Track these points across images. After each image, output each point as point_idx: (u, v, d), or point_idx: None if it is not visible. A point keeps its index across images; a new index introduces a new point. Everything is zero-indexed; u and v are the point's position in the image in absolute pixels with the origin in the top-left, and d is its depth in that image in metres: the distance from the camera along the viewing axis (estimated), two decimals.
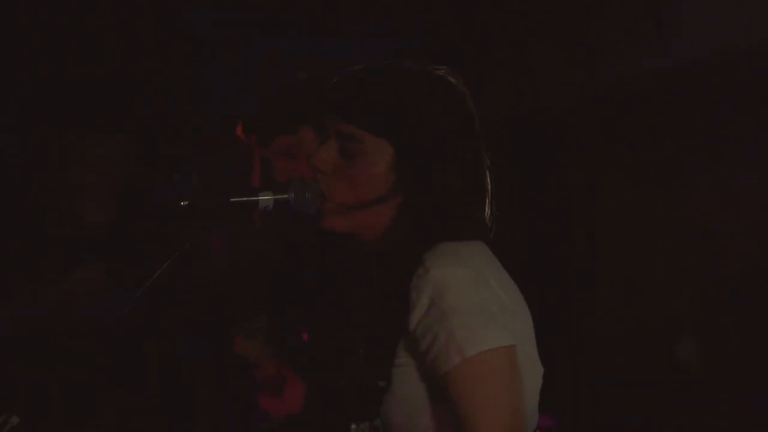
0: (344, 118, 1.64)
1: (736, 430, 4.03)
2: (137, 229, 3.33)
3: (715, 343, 4.49)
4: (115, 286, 3.23)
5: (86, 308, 3.16)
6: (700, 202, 4.57)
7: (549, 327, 1.90)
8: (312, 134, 2.03)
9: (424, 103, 1.63)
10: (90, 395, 3.00)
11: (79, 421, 3.12)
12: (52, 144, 3.33)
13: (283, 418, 1.99)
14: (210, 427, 3.21)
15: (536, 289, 1.84)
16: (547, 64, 4.83)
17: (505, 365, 1.52)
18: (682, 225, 4.63)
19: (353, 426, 1.60)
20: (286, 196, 1.64)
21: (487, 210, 1.71)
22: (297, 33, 4.71)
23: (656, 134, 4.71)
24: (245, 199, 1.63)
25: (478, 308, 1.53)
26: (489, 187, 1.71)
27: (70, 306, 3.16)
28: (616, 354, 4.83)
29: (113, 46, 4.37)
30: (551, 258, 5.08)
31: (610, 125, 4.86)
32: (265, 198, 1.64)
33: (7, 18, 3.99)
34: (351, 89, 1.66)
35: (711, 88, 4.37)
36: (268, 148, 2.12)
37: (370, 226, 1.65)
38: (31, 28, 4.14)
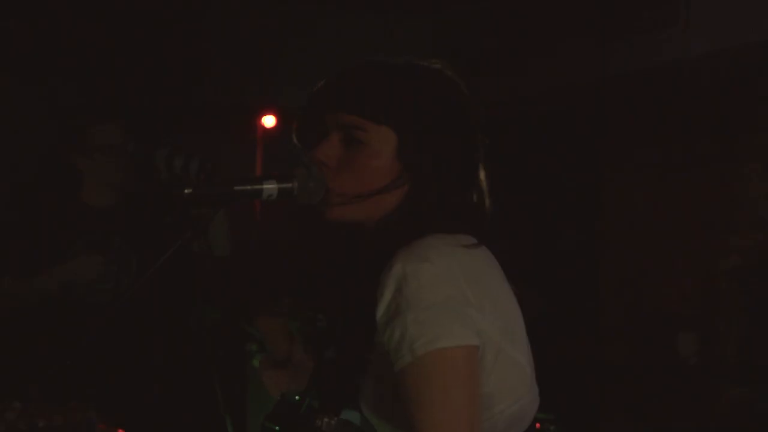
0: (345, 110, 1.62)
1: (735, 423, 4.03)
2: (136, 212, 3.33)
3: (714, 333, 4.48)
4: (115, 268, 3.23)
5: (83, 288, 3.17)
6: (701, 197, 4.56)
7: (552, 323, 1.88)
8: None
9: (424, 92, 1.62)
10: (88, 377, 3.00)
11: (79, 402, 3.11)
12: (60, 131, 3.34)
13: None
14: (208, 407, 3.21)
15: (540, 285, 1.82)
16: (555, 59, 4.81)
17: (458, 366, 1.45)
18: (683, 218, 4.62)
19: (324, 420, 1.57)
20: (290, 185, 1.61)
21: (486, 202, 1.66)
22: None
23: (659, 132, 4.69)
24: (249, 187, 1.61)
25: (435, 306, 1.46)
26: (483, 178, 1.67)
27: (70, 287, 3.16)
28: (618, 348, 4.82)
29: (113, 31, 4.35)
30: (555, 254, 5.07)
31: (614, 122, 4.84)
32: (270, 187, 1.61)
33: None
34: (349, 82, 1.64)
35: (716, 83, 4.35)
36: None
37: (374, 214, 1.63)
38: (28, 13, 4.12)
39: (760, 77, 4.17)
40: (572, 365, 4.61)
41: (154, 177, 3.26)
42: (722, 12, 4.16)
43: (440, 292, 1.47)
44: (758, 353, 4.15)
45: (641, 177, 4.82)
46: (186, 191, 1.55)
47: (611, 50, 4.56)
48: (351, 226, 1.66)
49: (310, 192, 1.62)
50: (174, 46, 4.60)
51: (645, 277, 4.75)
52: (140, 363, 3.25)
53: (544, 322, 1.70)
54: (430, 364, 1.44)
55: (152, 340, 3.28)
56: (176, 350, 3.34)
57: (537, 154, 4.97)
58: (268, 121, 5.10)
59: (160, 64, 4.53)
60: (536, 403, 1.67)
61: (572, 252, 5.04)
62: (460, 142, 1.62)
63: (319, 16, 4.71)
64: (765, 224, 4.29)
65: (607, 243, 4.94)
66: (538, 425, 3.02)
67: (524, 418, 1.65)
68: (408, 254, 1.50)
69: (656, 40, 4.41)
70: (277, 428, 1.75)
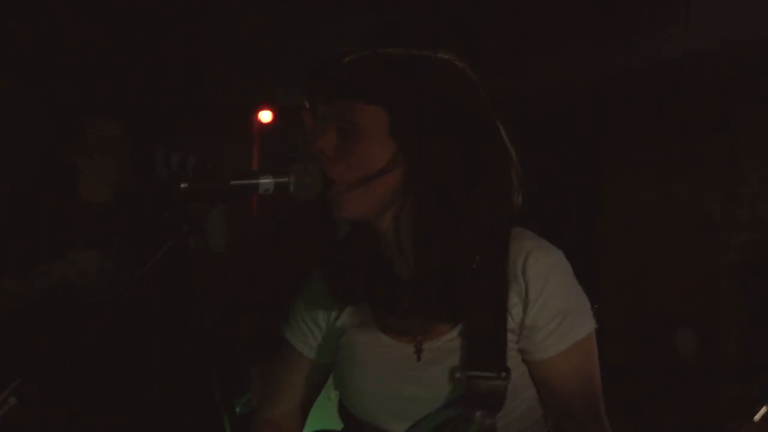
0: (337, 97, 1.60)
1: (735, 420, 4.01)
2: (136, 211, 3.33)
3: (714, 333, 4.47)
4: (113, 267, 3.22)
5: (82, 288, 3.16)
6: (701, 197, 4.55)
7: None
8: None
9: (414, 69, 1.59)
10: (88, 377, 2.99)
11: (76, 403, 3.12)
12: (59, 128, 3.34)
13: None
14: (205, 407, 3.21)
15: None
16: (555, 59, 4.80)
17: (596, 345, 1.64)
18: (683, 217, 4.61)
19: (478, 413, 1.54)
20: (286, 179, 1.59)
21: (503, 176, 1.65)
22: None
23: (659, 132, 4.69)
24: (246, 182, 1.59)
25: (579, 291, 1.64)
26: (498, 154, 1.65)
27: (67, 285, 3.15)
28: (618, 348, 4.81)
29: (113, 31, 4.35)
30: None
31: (614, 122, 4.83)
32: (266, 181, 1.60)
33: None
34: (337, 70, 1.62)
35: (716, 82, 4.35)
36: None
37: (378, 201, 1.59)
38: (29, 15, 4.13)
39: (760, 77, 4.17)
40: None
41: (154, 176, 3.26)
42: (722, 12, 4.16)
43: (574, 279, 1.65)
44: (758, 353, 4.15)
45: (641, 177, 4.81)
46: (183, 185, 1.54)
47: (611, 50, 4.56)
48: (362, 224, 1.64)
49: (306, 187, 1.61)
50: (174, 46, 4.61)
51: (645, 277, 4.75)
52: (140, 363, 3.25)
53: None
54: (589, 344, 1.62)
55: (152, 340, 3.28)
56: (176, 350, 3.33)
57: (537, 154, 4.96)
58: (265, 116, 5.07)
59: (160, 64, 4.53)
60: None
61: (572, 252, 5.02)
62: (458, 120, 1.59)
63: (319, 16, 4.71)
64: (765, 224, 4.29)
65: (607, 243, 4.94)
66: None
67: None
68: (536, 246, 1.65)
69: (656, 40, 4.41)
70: None
